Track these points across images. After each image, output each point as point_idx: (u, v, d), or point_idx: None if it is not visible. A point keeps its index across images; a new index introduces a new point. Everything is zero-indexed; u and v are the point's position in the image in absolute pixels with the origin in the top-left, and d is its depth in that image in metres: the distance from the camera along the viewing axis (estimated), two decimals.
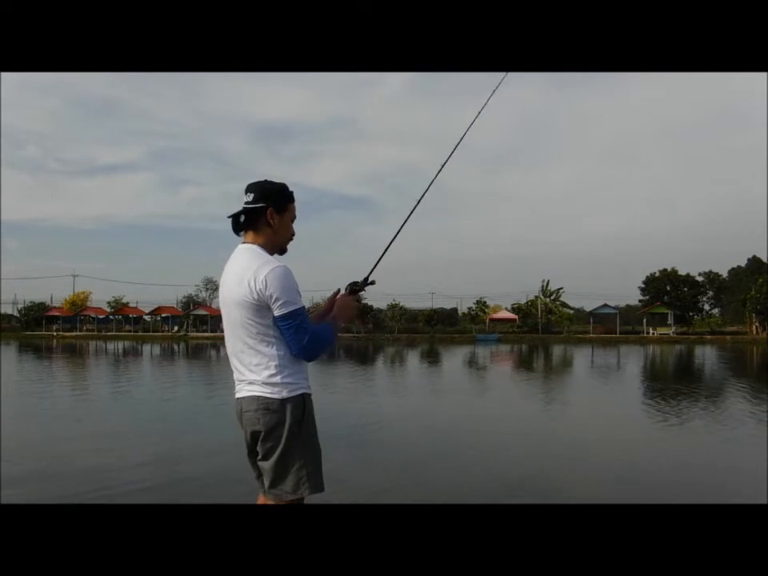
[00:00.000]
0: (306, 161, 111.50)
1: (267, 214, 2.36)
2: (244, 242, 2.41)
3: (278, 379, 2.28)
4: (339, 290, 2.64)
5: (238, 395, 2.38)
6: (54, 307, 64.38)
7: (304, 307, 2.30)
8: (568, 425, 9.47)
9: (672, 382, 17.15)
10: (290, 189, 2.46)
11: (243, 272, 2.29)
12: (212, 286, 69.60)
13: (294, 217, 2.48)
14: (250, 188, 2.40)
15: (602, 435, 8.36)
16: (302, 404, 2.31)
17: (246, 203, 2.38)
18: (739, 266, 71.13)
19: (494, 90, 3.14)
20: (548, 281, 61.66)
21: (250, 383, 2.33)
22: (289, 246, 2.50)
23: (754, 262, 66.96)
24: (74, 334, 58.04)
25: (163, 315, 62.64)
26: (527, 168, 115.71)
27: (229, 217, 2.42)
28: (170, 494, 5.04)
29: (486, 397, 13.92)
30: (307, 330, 2.26)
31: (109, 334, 58.33)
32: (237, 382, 2.39)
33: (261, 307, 2.26)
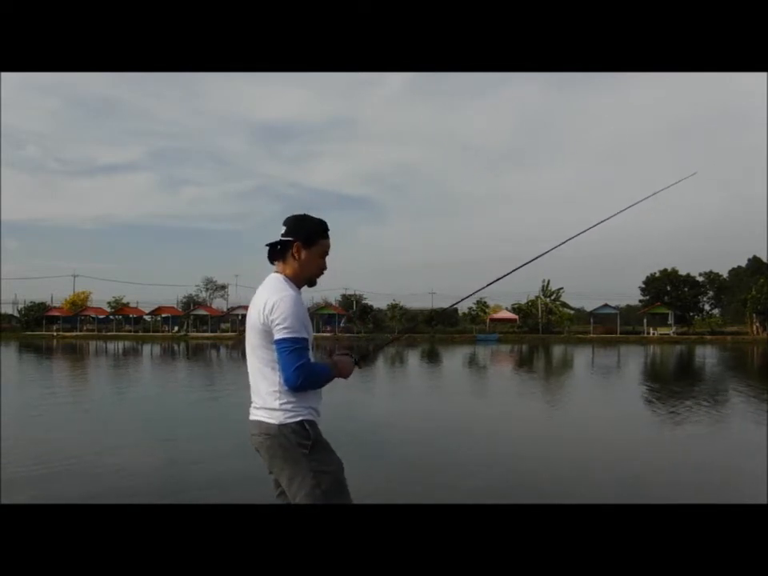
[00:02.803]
0: (306, 161, 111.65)
1: (294, 247, 2.44)
2: (275, 271, 2.48)
3: (276, 404, 2.32)
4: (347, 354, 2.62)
5: (249, 417, 2.44)
6: (54, 307, 64.35)
7: (306, 339, 2.32)
8: (568, 426, 9.47)
9: (672, 383, 17.15)
10: (327, 225, 2.51)
11: (260, 298, 2.38)
12: (212, 286, 69.69)
13: (326, 252, 2.52)
14: (285, 221, 2.49)
15: (602, 436, 8.37)
16: (301, 430, 2.31)
17: (281, 235, 2.46)
18: (739, 266, 71.12)
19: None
20: (548, 281, 61.64)
21: (257, 407, 2.40)
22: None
23: (754, 261, 66.94)
24: (74, 334, 58.04)
25: (163, 315, 62.62)
26: (527, 168, 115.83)
27: (266, 245, 2.50)
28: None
29: (487, 397, 13.93)
30: (301, 357, 2.27)
31: (109, 334, 58.32)
32: (251, 404, 2.46)
33: (267, 332, 2.32)
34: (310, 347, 2.36)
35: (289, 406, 2.32)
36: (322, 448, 2.36)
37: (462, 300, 3.35)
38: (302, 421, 2.33)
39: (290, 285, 2.42)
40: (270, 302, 2.32)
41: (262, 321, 2.33)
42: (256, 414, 2.40)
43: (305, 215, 2.52)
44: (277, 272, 2.48)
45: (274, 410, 2.33)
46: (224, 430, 8.33)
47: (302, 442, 2.30)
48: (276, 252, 2.49)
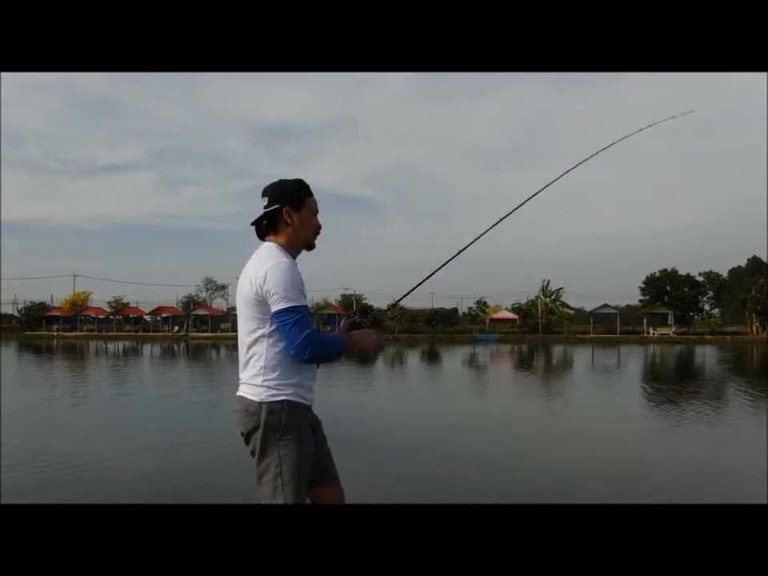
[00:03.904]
0: (306, 161, 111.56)
1: (284, 213, 2.33)
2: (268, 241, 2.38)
3: (259, 381, 2.24)
4: (358, 320, 2.50)
5: (236, 392, 2.37)
6: (54, 307, 64.36)
7: (306, 306, 2.22)
8: (568, 426, 9.47)
9: (672, 383, 17.15)
10: (306, 183, 2.42)
11: (251, 269, 2.28)
12: (212, 286, 69.74)
13: (316, 210, 2.42)
14: (264, 191, 2.38)
15: (602, 436, 8.36)
16: (280, 411, 2.22)
17: (264, 207, 2.35)
18: (739, 266, 71.15)
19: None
20: (548, 281, 61.66)
21: (241, 382, 2.32)
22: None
23: (754, 262, 66.96)
24: (74, 334, 58.03)
25: (163, 315, 62.64)
26: (528, 168, 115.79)
27: (252, 224, 2.39)
28: None
29: (487, 397, 13.93)
30: (305, 328, 2.16)
31: (109, 334, 58.30)
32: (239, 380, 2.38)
33: (260, 302, 2.22)
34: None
35: (272, 383, 2.22)
36: (298, 435, 2.25)
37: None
38: (283, 401, 2.22)
39: (284, 253, 2.30)
40: (261, 270, 2.21)
41: (255, 291, 2.21)
42: (240, 390, 2.31)
43: (281, 179, 2.40)
44: (269, 242, 2.37)
45: (257, 386, 2.24)
46: (224, 431, 8.32)
47: (276, 425, 2.20)
48: (264, 228, 2.37)
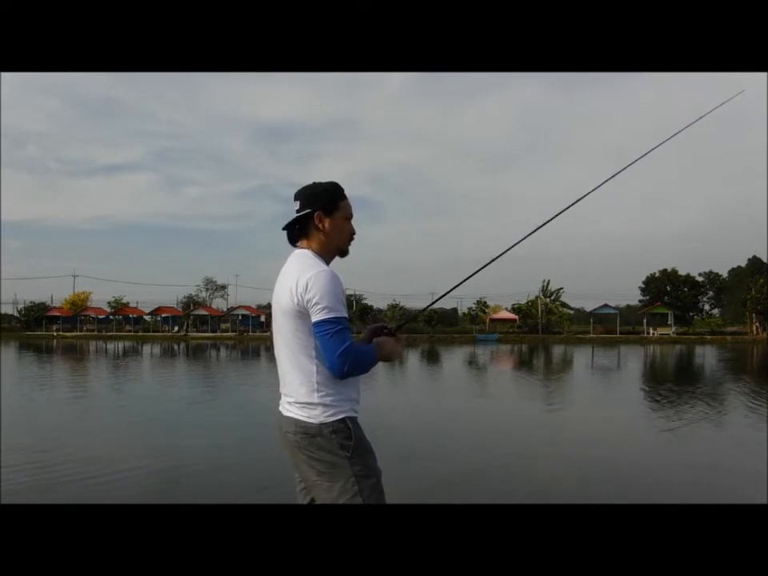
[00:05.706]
0: (306, 161, 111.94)
1: (315, 218, 2.23)
2: (300, 247, 2.28)
3: (314, 399, 2.11)
4: (384, 327, 2.38)
5: (280, 410, 2.25)
6: (55, 307, 64.39)
7: (347, 318, 2.10)
8: (568, 425, 9.47)
9: (672, 383, 17.15)
10: (341, 186, 2.32)
11: (289, 277, 2.16)
12: (212, 286, 69.85)
13: (350, 215, 2.31)
14: (296, 195, 2.28)
15: (602, 436, 8.36)
16: (345, 429, 2.11)
17: (296, 211, 2.26)
18: (739, 266, 71.08)
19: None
20: (548, 281, 61.70)
21: (290, 402, 2.19)
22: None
23: (754, 262, 66.93)
24: (74, 334, 58.01)
25: (163, 315, 62.64)
26: (529, 168, 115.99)
27: (283, 229, 2.30)
28: None
29: (488, 398, 13.92)
30: (344, 341, 2.04)
31: (109, 334, 58.29)
32: (281, 395, 2.27)
33: (302, 314, 2.10)
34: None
35: (328, 400, 2.10)
36: (365, 450, 2.17)
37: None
38: (344, 418, 2.12)
39: (321, 260, 2.20)
40: (302, 279, 2.09)
41: (296, 301, 2.09)
42: (290, 411, 2.17)
43: (315, 182, 2.30)
44: (302, 248, 2.26)
45: (313, 405, 2.11)
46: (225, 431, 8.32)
47: (344, 443, 2.10)
48: (296, 232, 2.28)
